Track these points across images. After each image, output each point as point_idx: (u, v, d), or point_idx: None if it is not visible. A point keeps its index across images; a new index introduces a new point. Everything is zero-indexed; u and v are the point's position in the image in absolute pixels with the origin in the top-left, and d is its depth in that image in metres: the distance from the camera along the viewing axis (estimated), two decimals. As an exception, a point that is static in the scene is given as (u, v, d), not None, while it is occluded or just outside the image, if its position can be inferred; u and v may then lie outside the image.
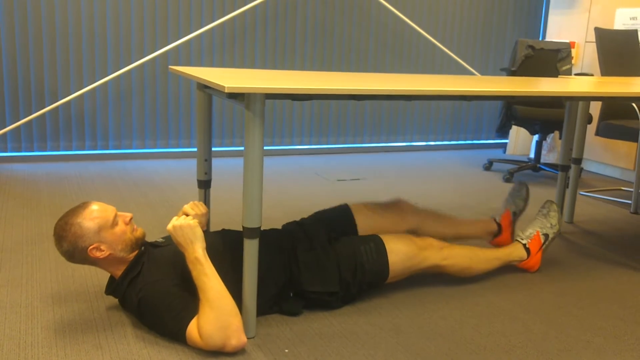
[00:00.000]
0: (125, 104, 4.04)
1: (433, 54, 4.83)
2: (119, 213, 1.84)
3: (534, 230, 2.39)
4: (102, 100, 3.98)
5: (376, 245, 2.00)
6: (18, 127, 3.81)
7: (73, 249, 1.76)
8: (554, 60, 4.14)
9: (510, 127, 4.15)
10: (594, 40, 4.07)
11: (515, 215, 2.54)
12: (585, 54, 4.51)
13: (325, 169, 4.09)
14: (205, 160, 2.26)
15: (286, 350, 1.71)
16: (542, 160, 4.62)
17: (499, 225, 2.48)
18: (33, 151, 3.88)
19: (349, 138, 4.70)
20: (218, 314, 1.65)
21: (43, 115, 3.85)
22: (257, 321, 1.83)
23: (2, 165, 3.76)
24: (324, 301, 1.95)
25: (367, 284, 2.00)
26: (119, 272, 1.84)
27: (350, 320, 1.90)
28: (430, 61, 4.84)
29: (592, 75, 3.94)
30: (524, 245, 2.35)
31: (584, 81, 2.69)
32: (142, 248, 1.89)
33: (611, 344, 1.83)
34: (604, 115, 3.53)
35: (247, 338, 1.76)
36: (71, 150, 3.96)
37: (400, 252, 2.01)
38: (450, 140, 5.09)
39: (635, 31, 3.75)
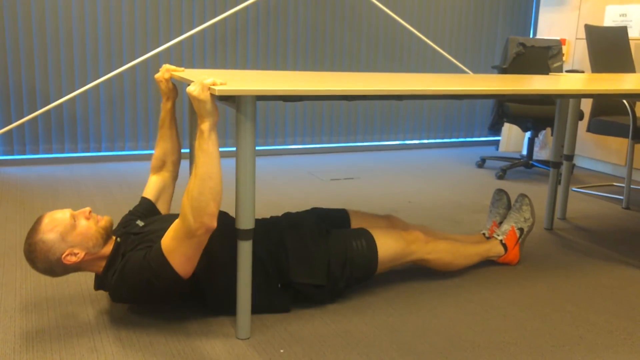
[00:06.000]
0: (117, 106, 4.03)
1: (425, 52, 4.84)
2: (75, 212, 1.82)
3: (509, 225, 2.42)
4: (94, 102, 3.97)
5: (367, 241, 2.03)
6: (10, 130, 3.79)
7: (49, 265, 1.75)
8: (545, 57, 4.16)
9: (502, 125, 4.16)
10: (584, 37, 4.08)
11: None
12: (576, 51, 4.53)
13: (318, 168, 4.09)
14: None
15: (281, 351, 1.71)
16: (534, 157, 4.63)
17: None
18: (25, 154, 3.87)
19: (342, 137, 4.70)
20: (200, 193, 1.65)
21: (35, 118, 3.84)
22: (251, 322, 1.83)
23: (-6, 169, 3.75)
24: (311, 294, 1.96)
25: (355, 279, 2.02)
26: (101, 268, 1.83)
27: (345, 320, 1.91)
28: (422, 60, 4.85)
29: (582, 72, 3.96)
30: (501, 241, 2.40)
31: (574, 78, 2.71)
32: (119, 239, 1.86)
33: (604, 339, 1.85)
34: (595, 111, 3.55)
35: (242, 339, 1.77)
36: (64, 152, 3.95)
37: (390, 248, 2.05)
38: (443, 138, 5.10)
39: (625, 28, 3.77)
